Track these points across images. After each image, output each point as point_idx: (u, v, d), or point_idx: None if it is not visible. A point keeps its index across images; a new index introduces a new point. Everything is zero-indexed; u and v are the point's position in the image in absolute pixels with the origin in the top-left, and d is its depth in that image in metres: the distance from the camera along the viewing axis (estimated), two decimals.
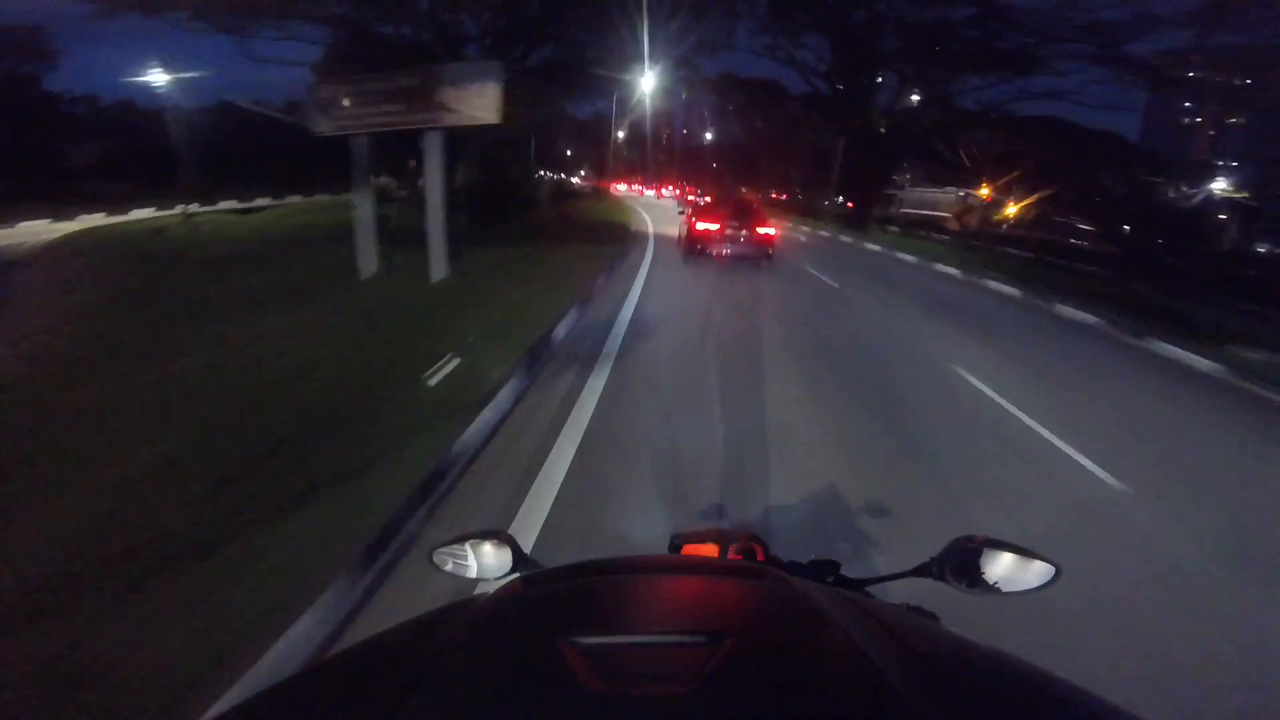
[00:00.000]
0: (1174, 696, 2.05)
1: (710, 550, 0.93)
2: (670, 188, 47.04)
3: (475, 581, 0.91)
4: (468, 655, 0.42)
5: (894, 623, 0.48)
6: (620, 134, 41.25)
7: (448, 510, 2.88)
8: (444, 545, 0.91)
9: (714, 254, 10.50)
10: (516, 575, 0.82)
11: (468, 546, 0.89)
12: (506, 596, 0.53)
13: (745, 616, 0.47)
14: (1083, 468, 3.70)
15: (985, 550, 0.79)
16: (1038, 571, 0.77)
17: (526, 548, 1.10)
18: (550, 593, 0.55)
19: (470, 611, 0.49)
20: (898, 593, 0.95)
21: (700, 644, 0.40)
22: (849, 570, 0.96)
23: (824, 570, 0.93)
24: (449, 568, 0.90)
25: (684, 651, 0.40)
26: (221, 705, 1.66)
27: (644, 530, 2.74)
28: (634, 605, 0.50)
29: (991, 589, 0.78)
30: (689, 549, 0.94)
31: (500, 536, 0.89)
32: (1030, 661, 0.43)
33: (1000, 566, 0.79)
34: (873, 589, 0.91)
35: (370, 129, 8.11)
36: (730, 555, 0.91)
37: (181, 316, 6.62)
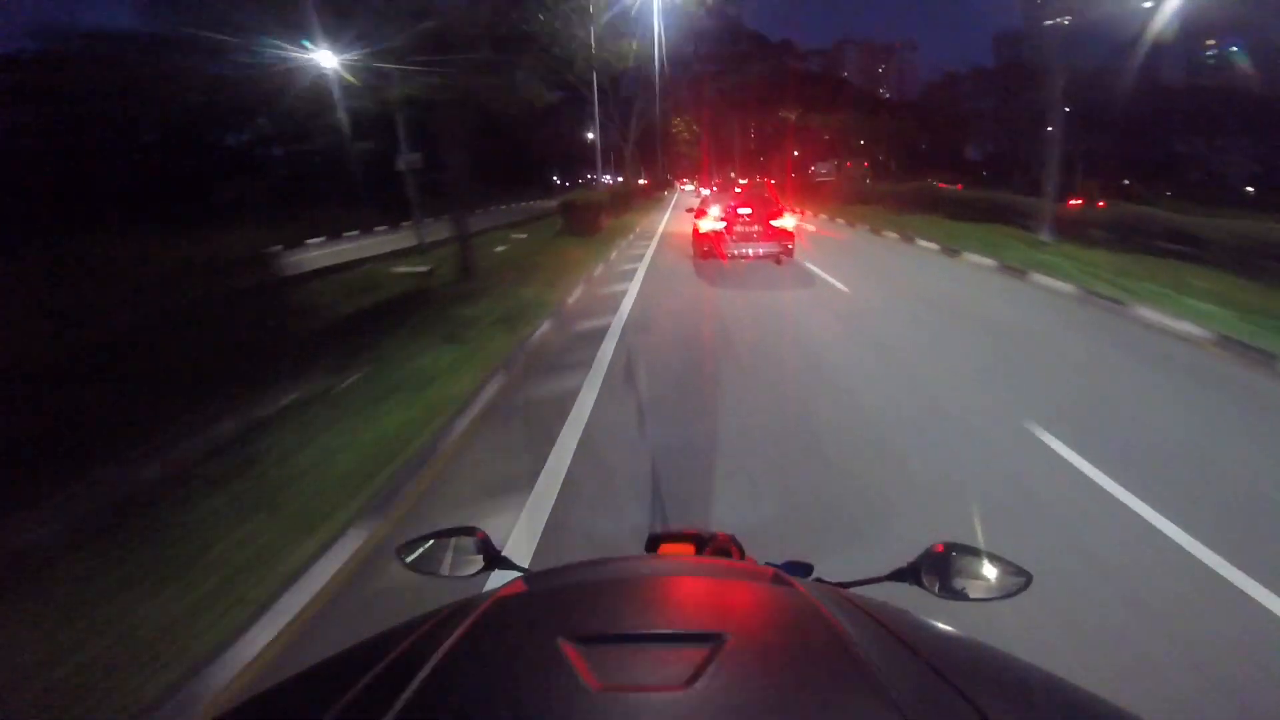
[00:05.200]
0: None
1: (687, 549, 0.91)
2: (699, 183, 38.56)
3: (446, 579, 0.86)
4: (468, 655, 0.42)
5: (893, 623, 0.48)
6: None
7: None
8: (411, 541, 0.86)
9: (726, 256, 8.62)
10: (514, 576, 0.78)
11: (434, 542, 0.86)
12: (507, 596, 0.53)
13: (745, 616, 0.47)
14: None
15: (958, 557, 0.80)
16: (1009, 578, 0.78)
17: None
18: (550, 593, 0.55)
19: (471, 611, 0.49)
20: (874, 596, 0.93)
21: (700, 644, 0.40)
22: (824, 573, 0.93)
23: (798, 572, 0.91)
24: (418, 565, 0.85)
25: (684, 651, 0.40)
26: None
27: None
28: (634, 605, 0.50)
29: (963, 594, 0.79)
30: (666, 548, 0.92)
31: (471, 533, 0.86)
32: (1031, 662, 0.44)
33: (973, 573, 0.79)
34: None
35: None
36: (706, 555, 0.90)
37: None
